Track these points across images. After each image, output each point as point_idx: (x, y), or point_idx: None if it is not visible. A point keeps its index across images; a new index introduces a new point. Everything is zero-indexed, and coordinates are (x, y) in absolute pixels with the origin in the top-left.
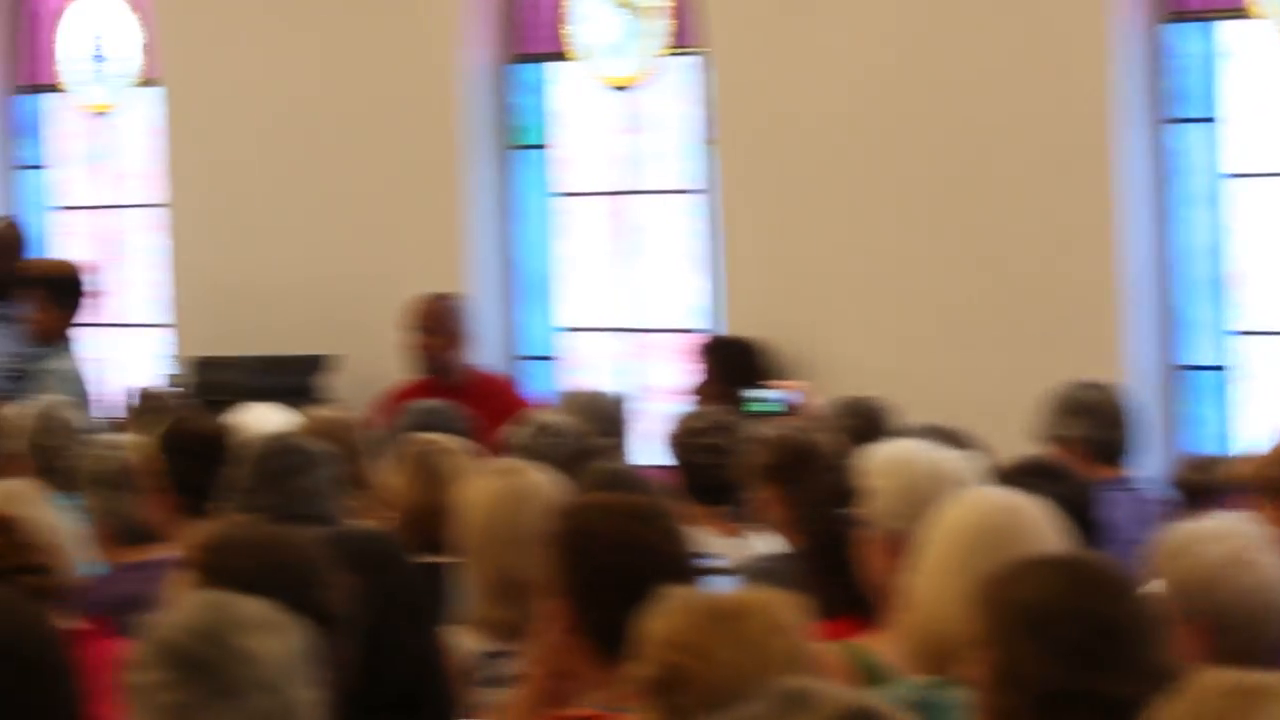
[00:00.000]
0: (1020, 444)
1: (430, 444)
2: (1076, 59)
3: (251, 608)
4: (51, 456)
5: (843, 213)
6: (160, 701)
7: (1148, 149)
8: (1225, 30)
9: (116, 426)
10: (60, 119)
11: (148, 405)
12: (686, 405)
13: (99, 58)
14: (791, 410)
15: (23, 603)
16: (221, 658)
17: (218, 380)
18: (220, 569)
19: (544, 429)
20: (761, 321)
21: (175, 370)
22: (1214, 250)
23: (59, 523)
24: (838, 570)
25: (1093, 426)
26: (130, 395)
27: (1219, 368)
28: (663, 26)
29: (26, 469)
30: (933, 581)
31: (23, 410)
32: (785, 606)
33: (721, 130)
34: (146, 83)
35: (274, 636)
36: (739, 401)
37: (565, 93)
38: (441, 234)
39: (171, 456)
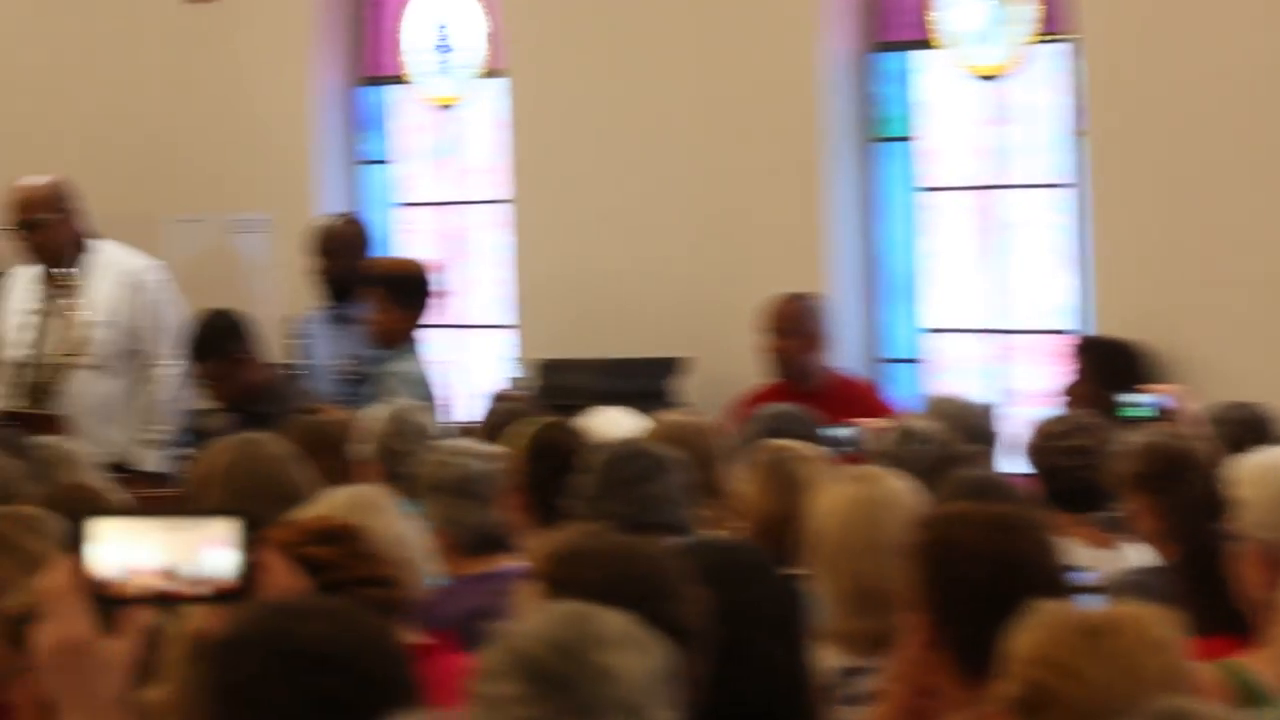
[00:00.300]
0: None
1: (784, 450)
2: None
3: (613, 622)
4: (399, 462)
5: (1220, 206)
6: (510, 716)
7: None
8: None
9: (466, 432)
10: (404, 112)
11: (505, 410)
12: (1056, 409)
13: (443, 48)
14: (1165, 415)
15: (364, 616)
16: (580, 674)
17: (564, 384)
18: (569, 581)
19: (909, 435)
20: (1133, 321)
21: (520, 373)
22: None
23: (406, 532)
24: (1213, 584)
25: None
26: (483, 400)
27: None
28: (1031, 12)
29: (376, 474)
30: None
31: (375, 413)
32: (1159, 623)
33: (1092, 121)
34: (491, 73)
35: (635, 654)
36: (1111, 405)
37: (930, 82)
38: (800, 230)
39: (535, 463)
